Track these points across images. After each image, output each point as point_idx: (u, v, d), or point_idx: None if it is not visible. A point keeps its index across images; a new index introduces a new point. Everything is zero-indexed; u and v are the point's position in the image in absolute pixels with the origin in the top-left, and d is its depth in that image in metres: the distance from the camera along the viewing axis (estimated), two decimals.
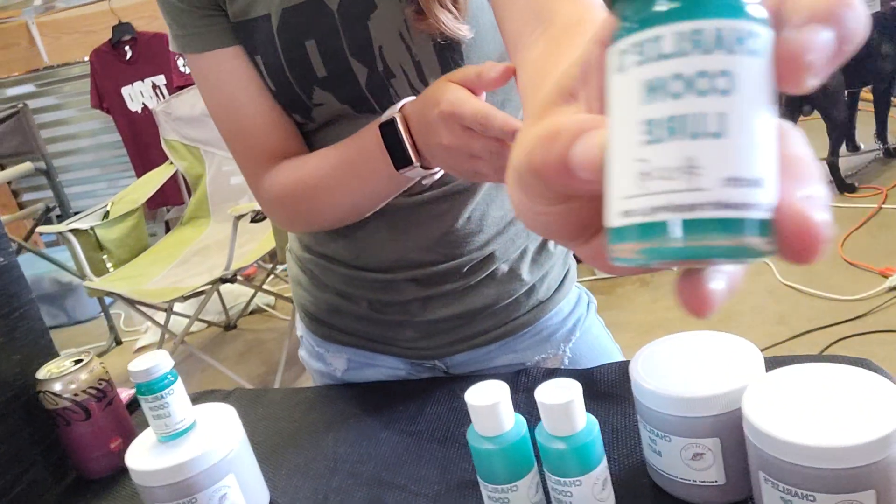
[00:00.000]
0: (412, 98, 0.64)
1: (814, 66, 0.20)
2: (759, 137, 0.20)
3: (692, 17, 0.20)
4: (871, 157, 3.29)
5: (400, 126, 0.63)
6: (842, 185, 3.05)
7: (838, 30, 0.20)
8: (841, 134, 3.03)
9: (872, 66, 3.05)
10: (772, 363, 0.65)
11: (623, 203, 0.21)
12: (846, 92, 3.10)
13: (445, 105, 0.57)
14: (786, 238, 0.21)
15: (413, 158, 0.64)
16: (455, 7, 0.65)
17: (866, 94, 3.27)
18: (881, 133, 3.28)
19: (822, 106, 2.98)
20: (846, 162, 3.22)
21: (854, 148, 3.39)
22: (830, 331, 2.21)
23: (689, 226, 0.20)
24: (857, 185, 3.05)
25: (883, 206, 2.86)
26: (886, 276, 2.37)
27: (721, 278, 0.22)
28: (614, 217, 0.22)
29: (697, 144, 0.20)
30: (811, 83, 0.21)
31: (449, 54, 0.68)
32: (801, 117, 3.08)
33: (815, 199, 0.21)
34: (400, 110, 0.64)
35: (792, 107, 3.03)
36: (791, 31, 0.20)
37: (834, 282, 2.45)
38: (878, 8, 3.75)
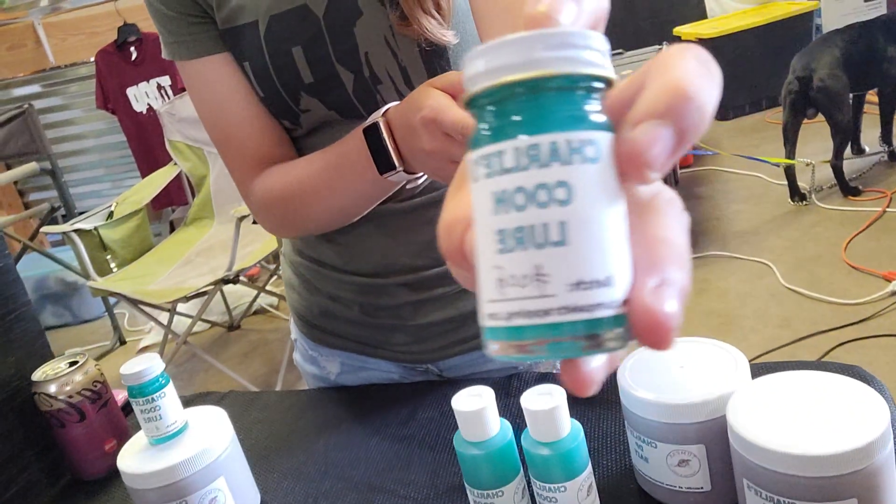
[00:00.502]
0: (396, 103, 0.65)
1: (652, 162, 0.21)
2: (604, 238, 0.21)
3: (530, 132, 0.21)
4: (875, 160, 3.27)
5: (383, 131, 0.63)
6: (846, 188, 3.03)
7: (677, 125, 0.21)
8: (845, 137, 3.02)
9: (878, 70, 3.04)
10: (759, 370, 0.65)
11: (488, 306, 0.23)
12: (851, 95, 3.08)
13: (427, 111, 0.57)
14: (636, 329, 0.22)
15: (396, 163, 0.64)
16: (439, 13, 0.66)
17: (872, 96, 3.26)
18: (886, 136, 3.26)
19: (827, 109, 2.96)
20: (850, 165, 3.20)
21: (859, 150, 3.38)
22: (833, 335, 2.20)
23: (542, 329, 0.22)
24: (861, 188, 3.04)
25: (887, 209, 2.85)
26: (890, 280, 2.36)
27: (597, 358, 0.23)
28: (483, 318, 0.23)
29: (543, 253, 0.21)
30: (653, 177, 0.22)
31: (436, 60, 0.69)
32: (806, 121, 3.06)
33: (667, 287, 0.22)
34: (383, 115, 0.64)
35: (796, 110, 3.02)
36: (628, 131, 0.21)
37: (837, 286, 2.44)
38: (884, 11, 3.74)
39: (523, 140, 0.22)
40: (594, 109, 0.22)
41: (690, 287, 0.22)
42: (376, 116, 0.64)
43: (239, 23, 0.71)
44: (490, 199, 0.22)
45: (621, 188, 0.22)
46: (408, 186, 0.70)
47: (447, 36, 0.66)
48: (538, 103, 0.22)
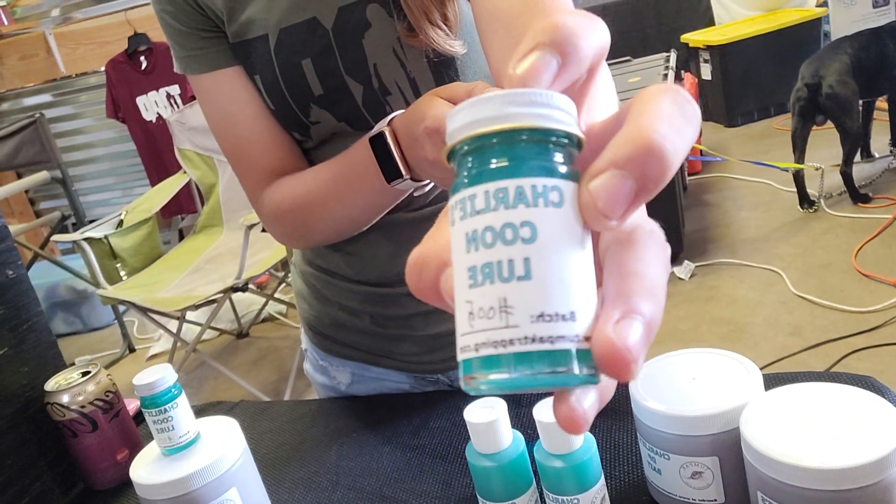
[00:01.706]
0: (401, 111, 0.65)
1: (608, 213, 0.22)
2: (567, 276, 0.23)
3: (499, 178, 0.23)
4: (885, 167, 3.26)
5: (389, 140, 0.64)
6: (855, 195, 3.02)
7: (636, 176, 0.22)
8: (855, 144, 3.01)
9: (888, 76, 3.03)
10: (772, 381, 0.65)
11: (460, 340, 0.24)
12: (860, 101, 3.07)
13: (430, 121, 0.57)
14: (597, 359, 0.22)
15: (403, 171, 0.64)
16: (446, 24, 0.66)
17: (882, 102, 3.25)
18: None
19: (836, 116, 2.95)
20: (860, 172, 3.19)
21: (868, 157, 3.36)
22: (844, 343, 2.19)
23: (506, 359, 0.23)
24: (871, 195, 3.02)
25: None
26: None
27: (588, 397, 0.23)
28: (458, 353, 0.24)
29: (509, 287, 0.23)
30: (613, 225, 0.23)
31: (443, 70, 0.69)
32: (815, 127, 3.05)
33: (631, 319, 0.22)
34: (389, 124, 0.65)
35: (805, 116, 3.01)
36: (587, 181, 0.23)
37: (847, 293, 2.43)
38: (894, 17, 3.73)
39: (493, 185, 0.23)
40: (559, 161, 0.24)
41: (657, 321, 0.23)
42: (382, 125, 0.65)
43: (249, 36, 0.71)
44: (463, 239, 0.24)
45: (585, 232, 0.24)
46: (415, 194, 0.71)
47: (455, 46, 0.67)
48: (507, 153, 0.24)
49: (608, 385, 0.24)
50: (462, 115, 0.24)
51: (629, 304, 0.22)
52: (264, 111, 0.75)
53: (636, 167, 0.22)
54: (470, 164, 0.24)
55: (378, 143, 0.65)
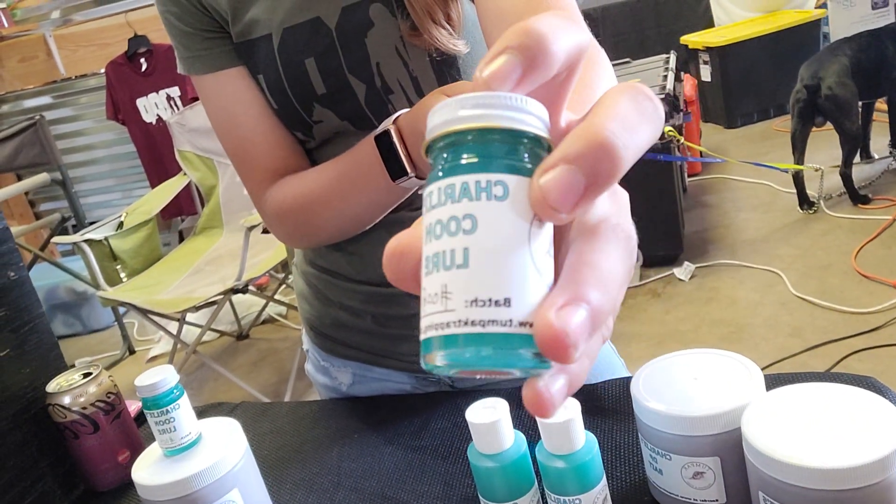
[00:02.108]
0: (406, 110, 0.65)
1: (556, 205, 0.23)
2: (505, 265, 0.24)
3: (449, 175, 0.25)
4: (884, 168, 3.26)
5: (394, 137, 0.64)
6: (855, 196, 3.02)
7: (586, 170, 0.23)
8: (854, 145, 3.01)
9: (887, 78, 3.04)
10: (773, 381, 0.65)
11: (420, 322, 0.26)
12: (860, 103, 3.08)
13: None
14: (538, 344, 0.23)
15: (408, 169, 0.65)
16: (449, 23, 0.67)
17: (881, 104, 3.25)
18: (895, 143, 3.26)
19: (835, 117, 2.96)
20: (860, 173, 3.20)
21: (868, 158, 3.37)
22: (844, 343, 2.19)
23: (445, 341, 0.24)
24: (870, 196, 3.03)
25: None
26: None
27: (556, 382, 0.24)
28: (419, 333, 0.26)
29: (449, 274, 0.24)
30: (563, 217, 0.23)
31: (446, 69, 0.69)
32: (814, 128, 3.06)
33: (574, 305, 0.23)
34: (394, 122, 0.65)
35: (804, 118, 3.02)
36: (538, 175, 0.23)
37: (847, 294, 2.43)
38: (893, 19, 3.73)
39: (444, 182, 0.25)
40: (508, 156, 0.25)
41: (607, 310, 0.23)
42: (387, 124, 0.65)
43: (253, 36, 0.72)
44: (424, 232, 0.26)
45: (536, 225, 0.25)
46: (419, 192, 0.71)
47: (458, 45, 0.67)
48: (457, 153, 0.25)
49: (578, 371, 0.25)
50: (433, 115, 0.26)
51: (576, 292, 0.23)
52: (267, 111, 0.75)
53: (586, 163, 0.23)
54: (433, 164, 0.27)
55: (383, 141, 0.65)
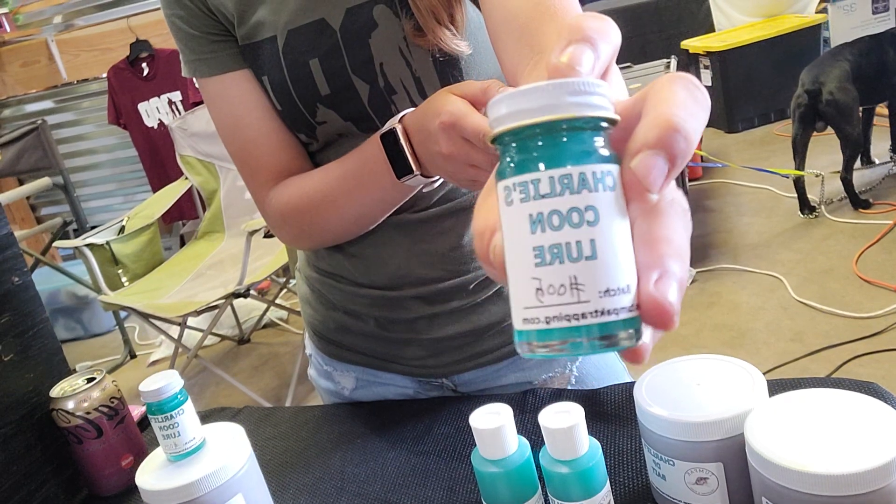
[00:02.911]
0: (411, 109, 0.66)
1: (651, 186, 0.26)
2: (623, 252, 0.26)
3: (561, 164, 0.26)
4: (885, 173, 3.26)
5: (400, 136, 0.65)
6: (856, 201, 3.03)
7: (668, 153, 0.25)
8: (855, 150, 3.01)
9: (888, 83, 3.04)
10: (775, 387, 0.65)
11: (525, 312, 0.27)
12: (861, 108, 3.08)
13: (447, 116, 0.58)
14: (647, 317, 0.26)
15: (414, 167, 0.65)
16: (453, 24, 0.67)
17: (882, 108, 3.26)
18: None
19: (836, 122, 2.96)
20: (860, 178, 3.20)
21: (869, 163, 3.37)
22: (845, 348, 2.19)
23: (577, 331, 0.26)
24: (871, 201, 3.03)
25: None
26: None
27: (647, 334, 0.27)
28: (518, 323, 0.27)
29: (578, 266, 0.25)
30: (654, 198, 0.26)
31: (448, 70, 0.70)
32: (815, 133, 3.06)
33: (667, 278, 0.26)
34: (400, 121, 0.65)
35: (805, 123, 3.02)
36: (628, 162, 0.26)
37: (849, 299, 2.43)
38: (893, 24, 3.74)
39: (557, 171, 0.26)
40: (607, 146, 0.26)
41: (686, 278, 0.27)
42: (393, 122, 0.66)
43: (258, 38, 0.73)
44: (526, 220, 0.26)
45: (626, 208, 0.27)
46: (424, 190, 0.72)
47: (461, 46, 0.68)
48: (568, 141, 0.26)
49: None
50: (517, 101, 0.26)
51: (663, 266, 0.26)
52: (271, 113, 0.76)
53: (665, 146, 0.25)
54: (528, 148, 0.26)
55: (389, 139, 0.66)
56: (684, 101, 0.26)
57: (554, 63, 0.27)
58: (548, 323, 0.26)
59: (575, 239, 0.25)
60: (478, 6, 0.67)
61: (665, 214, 0.27)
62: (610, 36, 0.28)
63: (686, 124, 0.25)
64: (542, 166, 0.26)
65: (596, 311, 0.25)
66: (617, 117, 0.27)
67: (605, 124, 0.26)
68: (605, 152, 0.26)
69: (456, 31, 0.68)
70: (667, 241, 0.26)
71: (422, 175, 0.66)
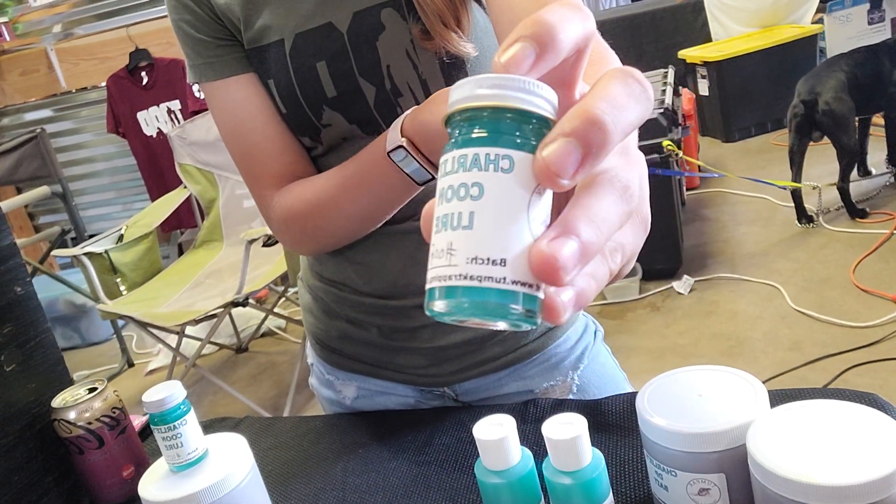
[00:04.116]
0: (405, 115, 0.64)
1: (560, 171, 0.27)
2: (505, 229, 0.28)
3: (463, 147, 0.29)
4: (882, 183, 3.28)
5: (410, 152, 0.63)
6: (853, 210, 3.04)
7: (582, 143, 0.27)
8: (851, 160, 3.03)
9: (884, 93, 3.05)
10: (776, 397, 0.65)
11: (426, 274, 0.29)
12: (857, 118, 3.09)
13: None
14: (534, 271, 0.27)
15: (434, 174, 0.64)
16: (458, 27, 0.68)
17: (878, 118, 3.27)
18: (893, 158, 3.27)
19: (832, 133, 2.98)
20: (857, 187, 3.21)
21: (865, 173, 3.38)
22: (843, 357, 2.19)
23: (446, 291, 0.28)
24: (868, 210, 3.04)
25: (895, 231, 2.85)
26: None
27: (565, 292, 0.28)
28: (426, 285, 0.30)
29: (455, 234, 0.28)
30: (564, 184, 0.27)
31: (455, 72, 0.71)
32: (812, 143, 3.08)
33: (565, 237, 0.27)
34: (402, 133, 0.64)
35: (802, 133, 3.03)
36: (540, 150, 0.27)
37: (846, 308, 2.44)
38: (889, 35, 3.76)
39: (458, 152, 0.29)
40: (517, 134, 0.28)
41: (601, 243, 0.27)
42: (397, 139, 0.64)
43: (265, 42, 0.74)
44: (437, 195, 0.29)
45: (536, 197, 0.28)
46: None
47: (467, 48, 0.69)
48: (471, 126, 0.29)
49: (585, 288, 0.28)
50: (455, 90, 0.29)
51: (566, 227, 0.27)
52: (276, 118, 0.77)
53: (580, 135, 0.27)
54: (450, 132, 0.30)
55: (398, 156, 0.64)
56: (615, 94, 0.28)
57: (494, 61, 0.29)
58: (429, 283, 0.29)
59: (458, 210, 0.28)
60: (485, 11, 0.68)
61: (593, 185, 0.28)
62: (569, 28, 0.29)
63: (606, 115, 0.27)
64: (450, 149, 0.29)
65: (461, 275, 0.27)
66: (534, 109, 0.28)
67: (516, 115, 0.28)
68: (509, 139, 0.28)
69: (462, 33, 0.69)
70: (583, 208, 0.28)
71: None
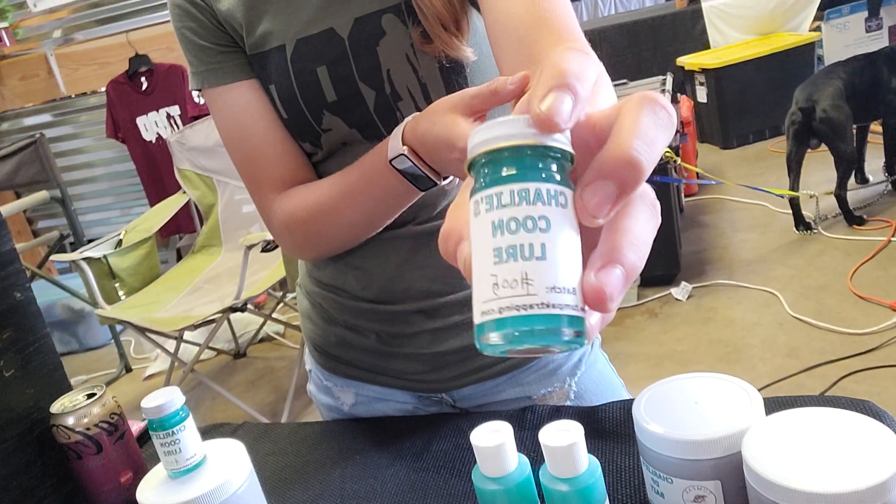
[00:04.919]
0: (408, 122, 0.64)
1: (596, 214, 0.29)
2: (571, 259, 0.29)
3: (520, 181, 0.29)
4: (880, 190, 3.29)
5: (413, 160, 0.63)
6: (850, 217, 3.05)
7: (617, 184, 0.28)
8: (849, 167, 3.04)
9: (882, 101, 3.07)
10: (772, 405, 0.66)
11: (482, 306, 0.30)
12: (854, 126, 3.10)
13: (462, 144, 0.55)
14: (585, 300, 0.29)
15: (436, 180, 0.64)
16: (458, 30, 0.69)
17: (876, 126, 3.29)
18: (890, 166, 3.28)
19: (830, 140, 2.99)
20: (855, 195, 3.22)
21: (863, 180, 3.39)
22: (840, 364, 2.20)
23: (524, 320, 0.29)
24: (865, 217, 3.05)
25: (892, 238, 2.86)
26: None
27: (593, 316, 0.30)
28: (478, 316, 0.30)
29: (529, 264, 0.29)
30: (600, 222, 0.29)
31: (454, 77, 0.72)
32: (809, 150, 3.09)
33: (612, 266, 0.29)
34: (403, 142, 0.64)
35: (799, 140, 3.04)
36: (579, 190, 0.29)
37: (844, 315, 2.45)
38: (886, 43, 3.78)
39: (517, 185, 0.30)
40: (561, 172, 0.30)
41: (640, 263, 0.29)
42: (398, 147, 0.64)
43: (267, 47, 0.75)
44: (489, 226, 0.30)
45: (578, 227, 0.30)
46: (447, 188, 0.74)
47: (466, 52, 0.70)
48: (528, 163, 0.30)
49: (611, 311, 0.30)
50: (491, 131, 0.30)
51: (611, 255, 0.29)
52: (277, 123, 0.77)
53: (617, 177, 0.28)
54: (496, 169, 0.30)
55: (400, 164, 0.64)
56: (645, 129, 0.29)
57: (535, 112, 0.29)
58: (500, 313, 0.29)
59: (528, 241, 0.29)
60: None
61: (627, 206, 0.30)
62: (587, 74, 0.30)
63: (641, 155, 0.28)
64: (505, 183, 0.30)
65: (542, 304, 0.28)
66: (572, 152, 0.30)
67: (558, 155, 0.30)
68: (559, 177, 0.30)
69: (461, 37, 0.70)
70: (622, 232, 0.29)
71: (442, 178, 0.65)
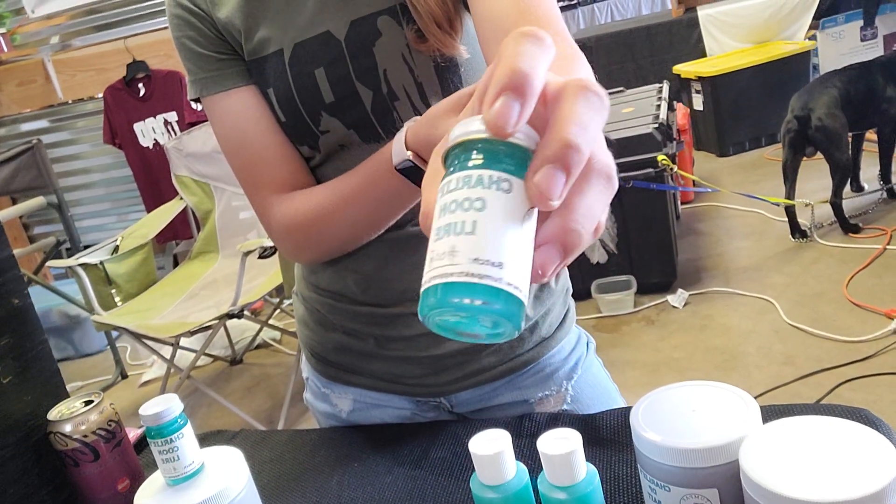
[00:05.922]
0: (408, 127, 0.64)
1: (551, 195, 0.30)
2: (503, 238, 0.31)
3: (466, 169, 0.32)
4: (875, 199, 3.30)
5: (418, 164, 0.63)
6: (846, 225, 3.06)
7: (564, 166, 0.30)
8: (844, 176, 3.05)
9: (877, 110, 3.08)
10: (768, 413, 0.66)
11: (422, 281, 0.32)
12: (850, 134, 3.12)
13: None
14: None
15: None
16: (451, 28, 0.70)
17: (871, 134, 3.30)
18: (885, 174, 3.29)
19: (825, 148, 3.00)
20: (850, 203, 3.23)
21: (858, 188, 3.41)
22: (836, 372, 2.20)
23: (447, 286, 0.31)
24: (861, 225, 3.06)
25: (887, 246, 2.87)
26: (892, 318, 2.37)
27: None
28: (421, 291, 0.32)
29: (458, 238, 0.31)
30: (554, 204, 0.31)
31: (449, 75, 0.73)
32: (805, 158, 3.10)
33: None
34: (407, 146, 0.64)
35: (795, 148, 3.06)
36: (531, 176, 0.31)
37: (840, 323, 2.45)
38: (881, 52, 3.80)
39: (462, 173, 0.32)
40: (511, 162, 0.32)
41: (598, 223, 0.32)
42: (402, 153, 0.64)
43: (265, 53, 0.76)
44: (438, 211, 0.32)
45: (528, 216, 0.32)
46: None
47: (460, 50, 0.72)
48: (474, 154, 0.32)
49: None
50: (454, 130, 0.33)
51: (562, 221, 0.31)
52: (275, 128, 0.78)
53: (561, 160, 0.30)
54: (451, 162, 0.33)
55: (407, 170, 0.64)
56: (580, 114, 0.31)
57: (484, 117, 0.32)
58: (429, 282, 0.31)
59: (461, 219, 0.31)
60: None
61: (583, 182, 0.32)
62: (541, 65, 0.32)
63: (579, 139, 0.30)
64: (455, 172, 0.32)
65: (463, 272, 0.30)
66: (523, 145, 0.32)
67: (504, 147, 0.32)
68: (506, 166, 0.32)
69: (454, 34, 0.71)
70: (575, 207, 0.32)
71: None
